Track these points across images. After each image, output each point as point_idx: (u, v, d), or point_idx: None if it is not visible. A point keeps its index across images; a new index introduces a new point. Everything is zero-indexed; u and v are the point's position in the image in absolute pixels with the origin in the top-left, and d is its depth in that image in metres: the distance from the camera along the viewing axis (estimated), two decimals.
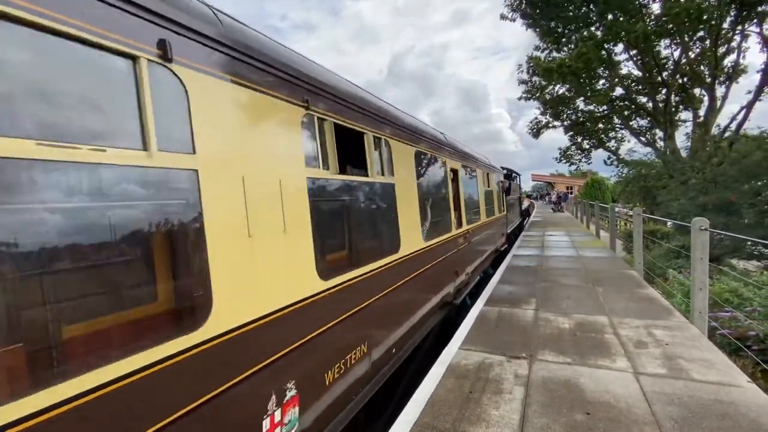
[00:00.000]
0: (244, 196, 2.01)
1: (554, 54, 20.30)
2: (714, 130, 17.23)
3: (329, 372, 2.65)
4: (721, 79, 17.54)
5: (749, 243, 9.46)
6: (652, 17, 16.51)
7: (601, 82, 20.31)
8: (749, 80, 20.14)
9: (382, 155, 3.77)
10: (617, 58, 19.50)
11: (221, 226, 1.87)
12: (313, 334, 2.49)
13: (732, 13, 15.11)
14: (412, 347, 4.26)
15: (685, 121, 20.46)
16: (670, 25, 15.22)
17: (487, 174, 9.98)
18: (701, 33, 16.41)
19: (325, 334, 2.62)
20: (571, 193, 46.55)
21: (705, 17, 14.35)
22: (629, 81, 20.27)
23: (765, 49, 15.83)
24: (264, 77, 2.26)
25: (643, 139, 21.63)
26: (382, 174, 3.76)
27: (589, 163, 26.62)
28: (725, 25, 15.83)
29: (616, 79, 19.87)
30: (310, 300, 2.46)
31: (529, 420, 2.86)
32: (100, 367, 1.36)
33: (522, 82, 23.15)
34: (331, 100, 2.90)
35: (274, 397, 2.14)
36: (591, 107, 22.29)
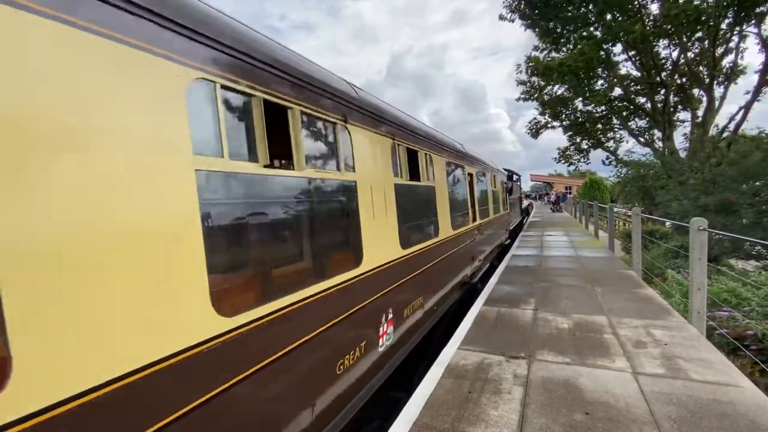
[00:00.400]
0: (371, 195, 3.42)
1: (553, 54, 20.34)
2: (712, 131, 17.27)
3: (405, 309, 4.09)
4: (720, 79, 17.58)
5: (748, 243, 9.49)
6: (651, 18, 16.55)
7: (600, 82, 20.34)
8: (747, 81, 20.18)
9: (427, 166, 5.17)
10: (616, 58, 19.55)
11: (365, 211, 3.29)
12: (398, 282, 3.89)
13: (730, 14, 15.15)
14: (446, 308, 5.70)
15: (683, 122, 20.53)
16: (669, 26, 15.25)
17: (494, 176, 11.20)
18: (700, 34, 16.45)
19: (404, 284, 4.04)
20: (570, 193, 46.62)
21: (703, 18, 14.38)
22: (628, 81, 20.31)
23: (763, 49, 15.88)
24: (377, 125, 3.73)
25: (641, 139, 21.68)
26: (428, 180, 5.18)
27: (587, 164, 26.67)
28: (723, 26, 15.87)
29: (615, 80, 19.91)
30: (396, 261, 3.85)
31: (528, 420, 2.86)
32: (333, 276, 2.79)
33: (521, 82, 23.18)
34: (404, 132, 4.39)
35: (383, 315, 3.55)
36: (590, 108, 22.32)
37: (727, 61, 17.49)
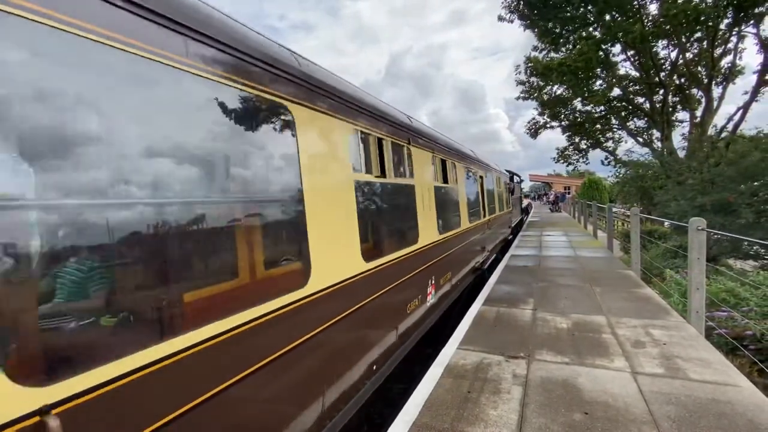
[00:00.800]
0: (421, 194, 4.72)
1: (552, 54, 20.36)
2: (711, 131, 17.31)
3: (441, 279, 5.38)
4: (718, 80, 17.63)
5: (746, 243, 9.51)
6: (650, 18, 16.58)
7: (599, 82, 20.38)
8: (745, 81, 20.27)
9: (452, 171, 6.49)
10: (615, 58, 19.58)
11: (421, 204, 4.68)
12: (436, 260, 5.11)
13: (729, 15, 15.18)
14: (464, 287, 6.94)
15: (682, 122, 20.59)
16: (668, 26, 15.28)
17: (498, 178, 12.70)
18: (699, 34, 16.48)
19: (441, 261, 5.36)
20: (569, 193, 46.67)
21: (702, 18, 14.41)
22: (627, 81, 20.34)
23: (762, 50, 15.92)
24: (424, 143, 5.04)
25: (640, 139, 21.73)
26: (455, 183, 6.63)
27: (586, 164, 26.72)
28: (722, 27, 15.91)
29: (614, 80, 19.94)
30: (435, 242, 5.11)
31: (527, 420, 2.86)
32: (410, 245, 4.33)
33: (520, 83, 23.21)
34: (439, 146, 5.72)
35: (428, 280, 4.85)
36: (588, 108, 22.36)
37: (725, 62, 17.54)
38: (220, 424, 1.76)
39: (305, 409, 2.37)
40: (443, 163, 5.97)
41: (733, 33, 16.49)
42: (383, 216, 3.94)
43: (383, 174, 3.84)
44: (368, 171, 3.49)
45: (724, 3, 14.46)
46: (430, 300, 4.92)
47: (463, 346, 4.28)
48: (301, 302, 2.32)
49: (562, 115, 24.09)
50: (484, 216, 9.01)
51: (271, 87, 2.25)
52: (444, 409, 3.06)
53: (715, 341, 4.54)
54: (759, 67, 16.33)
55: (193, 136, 1.81)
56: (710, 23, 14.85)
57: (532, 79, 22.38)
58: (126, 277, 1.54)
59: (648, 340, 4.24)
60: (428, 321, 4.83)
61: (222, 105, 1.93)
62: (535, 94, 23.10)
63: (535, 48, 21.11)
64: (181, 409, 1.57)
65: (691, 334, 4.35)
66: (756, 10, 14.48)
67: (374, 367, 3.29)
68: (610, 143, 24.46)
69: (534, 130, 25.73)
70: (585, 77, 18.41)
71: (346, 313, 2.85)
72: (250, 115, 2.15)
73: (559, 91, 22.23)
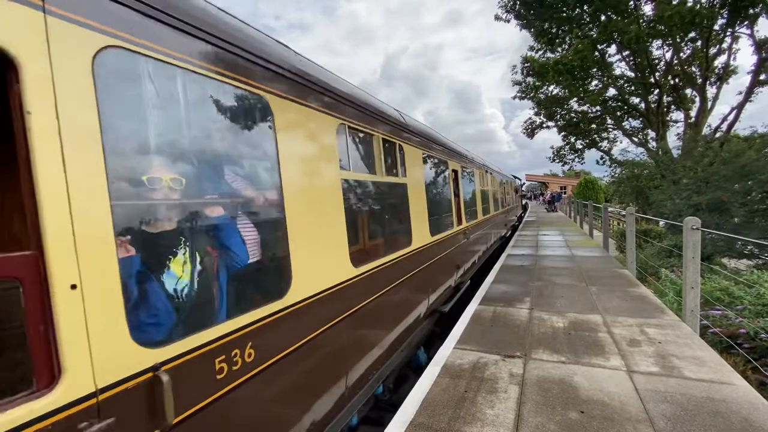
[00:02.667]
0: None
1: (548, 54, 20.44)
2: (705, 131, 17.45)
3: (466, 263, 7.10)
4: (712, 80, 17.77)
5: (740, 242, 9.59)
6: (645, 19, 16.67)
7: (594, 82, 20.47)
8: (739, 81, 20.42)
9: (482, 178, 9.16)
10: (610, 59, 19.69)
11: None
12: (455, 246, 6.37)
13: (724, 15, 15.30)
14: (481, 263, 8.90)
15: (676, 122, 20.74)
16: (663, 27, 15.37)
17: (511, 182, 18.83)
18: (693, 35, 16.60)
19: (461, 245, 6.77)
20: (565, 192, 46.85)
21: (697, 20, 14.51)
22: (622, 81, 20.45)
23: (756, 50, 16.05)
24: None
25: (635, 139, 21.87)
26: (490, 185, 9.82)
27: (582, 163, 26.88)
28: (716, 27, 16.03)
29: (609, 80, 20.04)
30: (457, 230, 6.56)
31: (523, 419, 2.87)
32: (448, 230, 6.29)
33: (516, 83, 23.30)
34: (467, 163, 7.96)
35: (454, 264, 6.27)
36: (584, 108, 22.46)
37: (719, 62, 17.70)
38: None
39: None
40: (481, 173, 9.72)
41: (727, 34, 16.62)
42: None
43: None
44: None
45: (719, 4, 14.56)
46: (460, 273, 6.71)
47: (460, 346, 4.29)
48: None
49: (558, 115, 24.20)
50: (497, 210, 12.56)
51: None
52: (441, 408, 3.06)
53: (710, 340, 4.57)
54: (753, 68, 16.48)
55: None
56: (705, 24, 14.95)
57: (529, 79, 22.46)
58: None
59: (643, 339, 4.26)
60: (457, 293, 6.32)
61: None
62: (532, 94, 23.20)
63: (531, 48, 21.20)
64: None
65: (686, 333, 4.38)
66: (750, 11, 14.60)
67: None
68: (605, 143, 24.62)
69: (530, 130, 25.84)
70: (581, 77, 18.50)
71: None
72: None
73: (555, 91, 22.34)
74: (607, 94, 20.63)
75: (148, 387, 1.47)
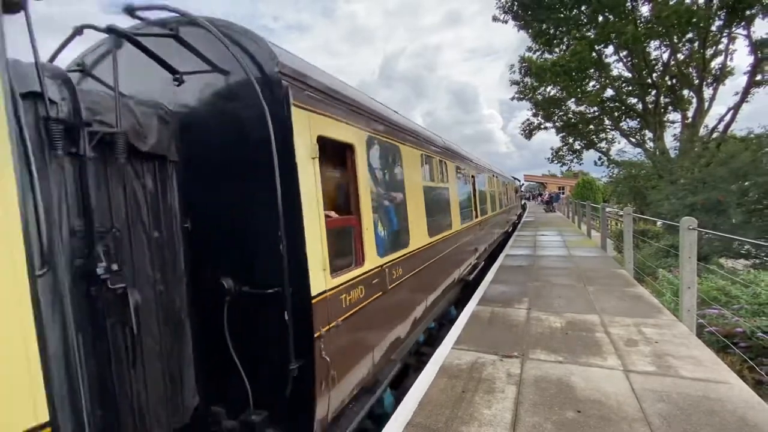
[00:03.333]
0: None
1: (546, 55, 20.48)
2: (702, 131, 17.50)
3: (481, 248, 9.00)
4: (709, 80, 17.82)
5: (737, 243, 9.63)
6: (642, 19, 16.73)
7: (592, 83, 20.53)
8: (736, 82, 20.52)
9: (491, 181, 11.75)
10: (608, 59, 19.75)
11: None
12: (474, 234, 8.19)
13: (721, 16, 15.36)
14: (491, 249, 10.74)
15: (673, 122, 20.78)
16: (660, 28, 15.43)
17: (512, 184, 21.24)
18: (690, 35, 16.66)
19: (478, 234, 8.66)
20: (563, 193, 46.92)
21: (694, 21, 14.57)
22: (619, 82, 20.51)
23: (752, 51, 16.11)
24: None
25: (633, 139, 21.91)
26: (499, 187, 13.80)
27: (580, 164, 26.92)
28: (713, 28, 16.09)
29: (607, 81, 20.10)
30: (475, 222, 8.48)
31: (521, 419, 2.88)
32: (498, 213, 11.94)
33: (514, 83, 23.34)
34: (481, 170, 10.44)
35: (474, 247, 8.19)
36: (582, 108, 22.52)
37: (716, 63, 17.74)
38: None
39: None
40: (494, 179, 12.76)
41: (724, 34, 16.69)
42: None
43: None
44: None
45: (716, 5, 14.63)
46: (480, 250, 8.93)
47: (457, 346, 4.30)
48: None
49: (556, 116, 24.25)
50: (502, 207, 14.47)
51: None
52: (438, 408, 3.07)
53: (707, 339, 4.59)
54: (749, 68, 16.54)
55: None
56: (702, 25, 15.01)
57: (527, 79, 22.51)
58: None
59: (640, 339, 4.28)
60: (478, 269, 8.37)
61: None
62: (530, 95, 23.24)
63: (529, 49, 21.24)
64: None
65: (683, 332, 4.40)
66: (747, 12, 14.66)
67: None
68: (603, 144, 24.66)
69: (528, 131, 25.88)
70: (578, 77, 18.55)
71: None
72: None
73: (553, 92, 22.38)
74: (604, 95, 20.69)
75: (382, 271, 3.49)
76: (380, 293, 3.44)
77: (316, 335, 2.41)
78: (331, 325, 2.63)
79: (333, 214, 2.98)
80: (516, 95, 23.81)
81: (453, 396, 3.24)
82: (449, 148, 6.80)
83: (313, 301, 2.44)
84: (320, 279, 2.54)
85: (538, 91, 22.82)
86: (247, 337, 2.49)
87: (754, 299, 5.25)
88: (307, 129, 2.57)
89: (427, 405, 3.12)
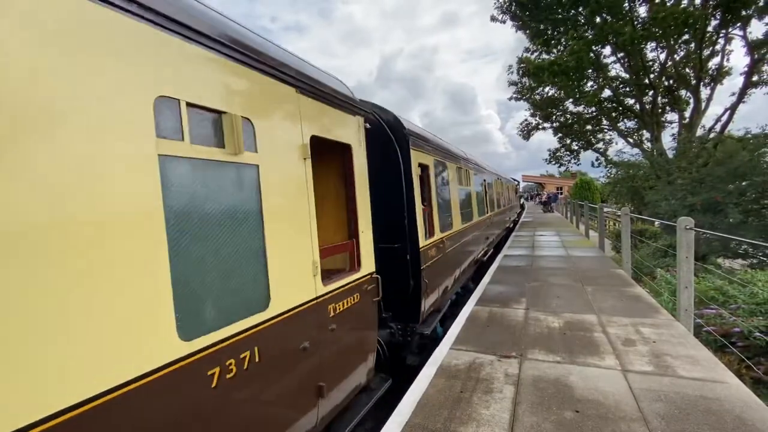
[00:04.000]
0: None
1: (544, 56, 20.52)
2: (699, 131, 17.57)
3: (490, 237, 10.59)
4: (706, 81, 17.88)
5: (734, 242, 9.66)
6: (640, 20, 16.79)
7: (589, 84, 20.58)
8: (732, 83, 20.60)
9: (497, 183, 14.24)
10: (605, 60, 19.80)
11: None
12: (485, 226, 9.78)
13: (717, 17, 15.42)
14: (498, 239, 12.42)
15: (671, 123, 20.86)
16: (657, 29, 15.48)
17: (510, 185, 21.70)
18: (687, 36, 16.72)
19: (488, 225, 10.38)
20: (561, 193, 46.99)
21: (690, 22, 14.62)
22: (617, 83, 20.56)
23: (748, 52, 16.19)
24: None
25: (630, 140, 21.97)
26: (505, 190, 17.17)
27: (578, 164, 26.97)
28: (710, 29, 16.16)
29: (604, 81, 20.15)
30: (486, 216, 10.22)
31: (519, 419, 2.88)
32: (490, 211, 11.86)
33: (512, 83, 23.38)
34: (491, 174, 12.77)
35: (485, 236, 9.62)
36: (580, 109, 22.56)
37: (713, 64, 17.81)
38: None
39: None
40: (497, 182, 13.94)
41: (721, 35, 16.75)
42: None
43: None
44: None
45: (712, 5, 14.68)
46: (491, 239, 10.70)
47: (455, 346, 4.30)
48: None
49: (554, 117, 24.30)
50: (502, 206, 15.53)
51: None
52: (436, 409, 3.06)
53: (704, 339, 4.60)
54: (746, 69, 16.62)
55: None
56: (698, 25, 15.07)
57: (524, 79, 22.55)
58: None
59: (638, 338, 4.29)
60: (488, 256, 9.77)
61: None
62: (528, 95, 23.27)
63: (526, 49, 21.28)
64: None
65: (681, 332, 4.41)
66: (743, 13, 14.72)
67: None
68: (601, 144, 24.72)
69: (526, 132, 25.92)
70: (576, 78, 18.59)
71: None
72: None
73: (551, 92, 22.43)
74: (602, 96, 20.74)
75: (442, 241, 5.57)
76: (441, 254, 5.54)
77: (422, 267, 4.57)
78: (427, 264, 4.77)
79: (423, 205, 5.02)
80: (514, 95, 23.86)
81: (451, 396, 3.24)
82: (469, 159, 8.75)
83: (420, 250, 4.57)
84: (422, 239, 4.66)
85: (536, 92, 22.86)
86: (384, 270, 3.72)
87: (751, 299, 5.27)
88: (415, 159, 4.71)
89: (425, 405, 3.12)
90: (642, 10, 17.06)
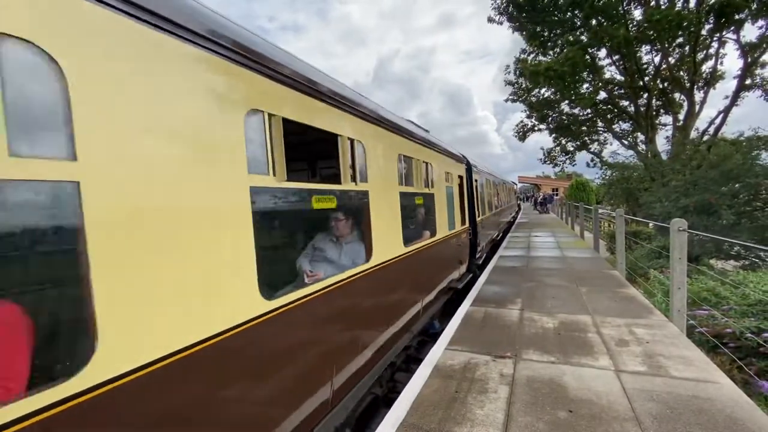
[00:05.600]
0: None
1: (540, 58, 20.63)
2: (693, 134, 17.72)
3: (499, 226, 15.06)
4: (700, 84, 18.05)
5: (726, 244, 9.74)
6: (634, 23, 16.92)
7: (585, 86, 20.72)
8: (726, 86, 20.84)
9: (503, 186, 19.15)
10: (601, 62, 19.93)
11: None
12: (493, 221, 12.98)
13: (710, 20, 15.57)
14: (504, 228, 17.16)
15: (665, 125, 21.03)
16: (651, 32, 15.61)
17: (510, 186, 24.39)
18: (681, 39, 16.87)
19: (496, 217, 14.31)
20: (557, 194, 47.21)
21: (684, 24, 14.76)
22: (612, 85, 20.71)
23: (742, 55, 16.35)
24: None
25: (625, 142, 22.14)
26: (508, 192, 22.11)
27: (573, 165, 27.12)
28: (703, 32, 16.31)
29: (600, 83, 20.29)
30: (494, 212, 13.74)
31: (513, 418, 2.90)
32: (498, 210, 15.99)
33: (509, 83, 23.47)
34: (498, 179, 17.64)
35: (496, 223, 13.89)
36: (575, 110, 22.69)
37: (707, 67, 17.99)
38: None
39: None
40: (501, 184, 17.51)
41: (714, 38, 16.92)
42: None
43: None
44: None
45: (706, 9, 14.82)
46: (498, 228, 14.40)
47: (451, 347, 4.31)
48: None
49: (550, 118, 24.43)
50: (502, 206, 17.50)
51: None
52: (431, 409, 3.07)
53: (697, 339, 4.64)
54: (739, 72, 16.79)
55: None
56: (692, 29, 15.21)
57: (521, 80, 22.66)
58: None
59: (632, 339, 4.32)
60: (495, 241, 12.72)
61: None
62: (524, 96, 23.38)
63: (523, 51, 21.38)
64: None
65: (673, 333, 4.44)
66: (737, 17, 14.87)
67: None
68: (596, 145, 24.89)
69: (522, 133, 26.04)
70: (571, 81, 18.72)
71: None
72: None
73: (546, 94, 22.55)
74: (597, 98, 20.89)
75: (482, 221, 10.07)
76: (481, 225, 9.16)
77: (477, 230, 8.86)
78: (478, 229, 8.93)
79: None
80: (510, 97, 23.96)
81: (446, 396, 3.25)
82: (493, 173, 12.88)
83: (476, 221, 8.90)
84: (478, 219, 9.13)
85: (532, 93, 22.98)
86: None
87: (743, 300, 5.32)
88: (472, 177, 8.89)
89: (420, 405, 3.13)
90: (637, 14, 17.20)
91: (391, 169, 3.92)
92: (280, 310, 2.21)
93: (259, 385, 2.06)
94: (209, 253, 1.76)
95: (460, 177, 7.77)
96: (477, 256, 8.85)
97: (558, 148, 26.01)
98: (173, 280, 1.58)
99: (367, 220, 3.38)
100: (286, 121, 2.32)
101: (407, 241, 4.24)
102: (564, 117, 23.87)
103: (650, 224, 12.95)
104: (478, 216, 9.19)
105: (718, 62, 17.73)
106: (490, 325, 4.97)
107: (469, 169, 8.76)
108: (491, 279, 7.67)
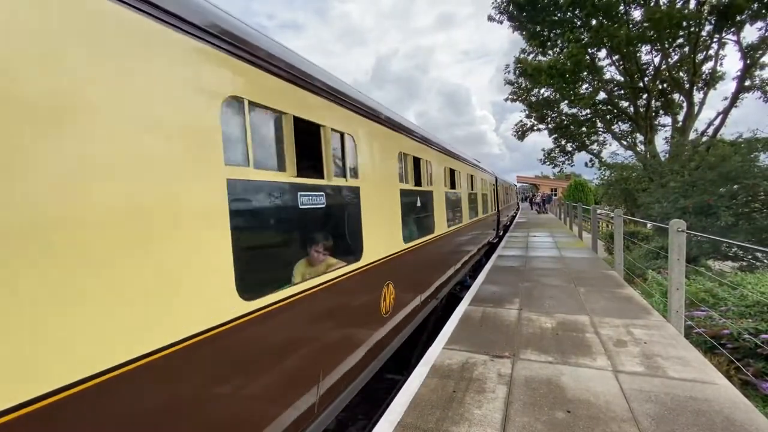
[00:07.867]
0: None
1: (540, 57, 20.62)
2: (692, 135, 17.75)
3: (501, 223, 17.73)
4: (699, 85, 18.07)
5: (725, 245, 9.76)
6: (635, 23, 16.92)
7: (585, 86, 20.72)
8: (725, 87, 20.87)
9: (507, 188, 25.00)
10: (601, 63, 19.94)
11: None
12: (497, 217, 15.95)
13: (711, 21, 15.58)
14: (507, 223, 21.16)
15: (664, 126, 21.05)
16: (651, 32, 15.61)
17: (511, 187, 28.42)
18: (681, 40, 16.88)
19: (500, 213, 17.36)
20: (555, 194, 47.24)
21: (685, 24, 14.76)
22: (612, 86, 20.72)
23: (742, 56, 16.36)
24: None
25: (624, 142, 22.16)
26: (507, 192, 24.36)
27: (572, 166, 27.16)
28: (703, 33, 16.32)
29: (599, 84, 20.29)
30: (503, 207, 19.03)
31: (511, 419, 2.89)
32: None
33: (508, 82, 23.46)
34: (506, 182, 24.65)
35: (492, 229, 13.74)
36: (575, 111, 22.70)
37: (706, 68, 18.00)
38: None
39: None
40: (505, 186, 22.92)
41: (714, 40, 16.93)
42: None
43: None
44: None
45: (707, 9, 14.82)
46: (500, 224, 17.19)
47: (449, 346, 4.30)
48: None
49: (549, 118, 24.44)
50: (503, 204, 18.87)
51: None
52: (429, 408, 3.06)
53: (694, 340, 4.65)
54: (738, 73, 16.81)
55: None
56: (692, 29, 15.22)
57: (521, 79, 22.65)
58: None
59: (629, 339, 4.32)
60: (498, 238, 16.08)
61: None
62: (523, 96, 23.38)
63: (523, 51, 21.37)
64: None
65: (671, 333, 4.44)
66: (737, 18, 14.88)
67: None
68: (595, 146, 24.91)
69: (521, 133, 26.06)
70: (572, 80, 18.71)
71: None
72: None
73: (546, 94, 22.55)
74: (597, 98, 20.90)
75: (499, 212, 16.64)
76: (500, 213, 16.37)
77: (500, 218, 16.41)
78: (500, 216, 16.55)
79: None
80: (510, 96, 23.95)
81: (444, 396, 3.24)
82: (506, 181, 19.71)
83: (499, 211, 16.31)
84: (501, 208, 16.95)
85: (532, 93, 22.97)
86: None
87: (740, 301, 5.33)
88: (499, 183, 17.49)
89: (417, 405, 3.12)
90: (637, 14, 17.20)
91: (466, 182, 8.81)
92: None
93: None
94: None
95: (492, 184, 14.32)
96: (500, 227, 15.98)
97: (557, 148, 26.03)
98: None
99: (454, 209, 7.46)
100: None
101: (471, 215, 9.09)
102: (563, 117, 23.88)
103: (648, 225, 12.97)
104: (501, 206, 16.90)
105: (718, 63, 17.77)
106: (488, 325, 4.96)
107: (495, 180, 15.51)
108: (489, 279, 7.66)
